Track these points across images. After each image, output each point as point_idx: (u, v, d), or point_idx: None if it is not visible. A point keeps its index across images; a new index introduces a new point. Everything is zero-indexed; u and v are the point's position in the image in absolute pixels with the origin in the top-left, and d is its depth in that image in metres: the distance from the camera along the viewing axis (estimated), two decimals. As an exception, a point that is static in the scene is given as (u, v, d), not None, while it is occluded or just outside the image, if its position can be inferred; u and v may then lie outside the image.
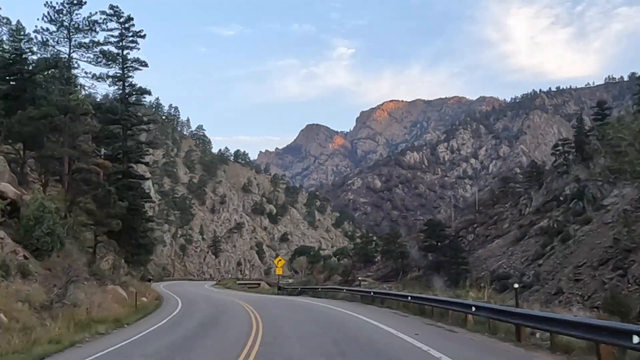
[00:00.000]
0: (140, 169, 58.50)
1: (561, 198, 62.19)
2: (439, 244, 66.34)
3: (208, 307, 32.95)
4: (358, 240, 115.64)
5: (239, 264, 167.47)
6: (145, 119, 52.10)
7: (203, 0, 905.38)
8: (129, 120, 47.19)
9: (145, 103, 50.09)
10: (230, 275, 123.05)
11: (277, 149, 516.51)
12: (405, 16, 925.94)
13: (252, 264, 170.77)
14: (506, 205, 79.03)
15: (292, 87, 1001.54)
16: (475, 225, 78.98)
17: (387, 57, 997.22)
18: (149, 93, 48.64)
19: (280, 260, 61.25)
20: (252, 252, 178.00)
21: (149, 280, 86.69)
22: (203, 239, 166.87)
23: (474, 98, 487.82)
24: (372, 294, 33.34)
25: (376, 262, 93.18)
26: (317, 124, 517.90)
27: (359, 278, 59.17)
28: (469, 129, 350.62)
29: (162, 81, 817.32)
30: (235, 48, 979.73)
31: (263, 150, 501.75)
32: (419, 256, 76.50)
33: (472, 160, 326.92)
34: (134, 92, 48.12)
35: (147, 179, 58.40)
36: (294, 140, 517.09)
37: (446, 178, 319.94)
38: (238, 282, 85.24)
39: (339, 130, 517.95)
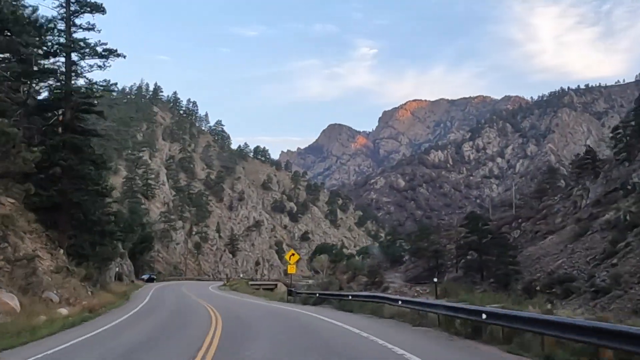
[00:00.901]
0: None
1: (629, 187, 53.04)
2: (482, 240, 57.42)
3: (145, 331, 18.19)
4: (383, 239, 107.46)
5: (257, 263, 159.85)
6: (99, 49, 34.49)
7: (226, 1, 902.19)
8: (74, 48, 34.38)
9: (99, 29, 34.75)
10: (242, 275, 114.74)
11: (298, 148, 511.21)
12: (429, 16, 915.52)
13: (271, 264, 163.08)
14: (555, 198, 69.85)
15: (314, 87, 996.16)
16: (520, 221, 69.82)
17: (410, 57, 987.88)
18: (103, 11, 35.07)
19: (293, 254, 41.03)
20: (272, 252, 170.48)
21: (152, 280, 79.42)
22: (220, 237, 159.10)
23: (499, 97, 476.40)
24: (484, 317, 13.56)
25: (404, 262, 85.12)
26: (339, 124, 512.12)
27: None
28: (495, 128, 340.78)
29: (182, 82, 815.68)
30: (258, 48, 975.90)
31: (285, 150, 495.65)
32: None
33: (498, 160, 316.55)
34: (81, 10, 34.82)
35: (101, 135, 42.48)
36: (315, 140, 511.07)
37: (471, 177, 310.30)
38: (251, 283, 76.91)
39: (361, 130, 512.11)
